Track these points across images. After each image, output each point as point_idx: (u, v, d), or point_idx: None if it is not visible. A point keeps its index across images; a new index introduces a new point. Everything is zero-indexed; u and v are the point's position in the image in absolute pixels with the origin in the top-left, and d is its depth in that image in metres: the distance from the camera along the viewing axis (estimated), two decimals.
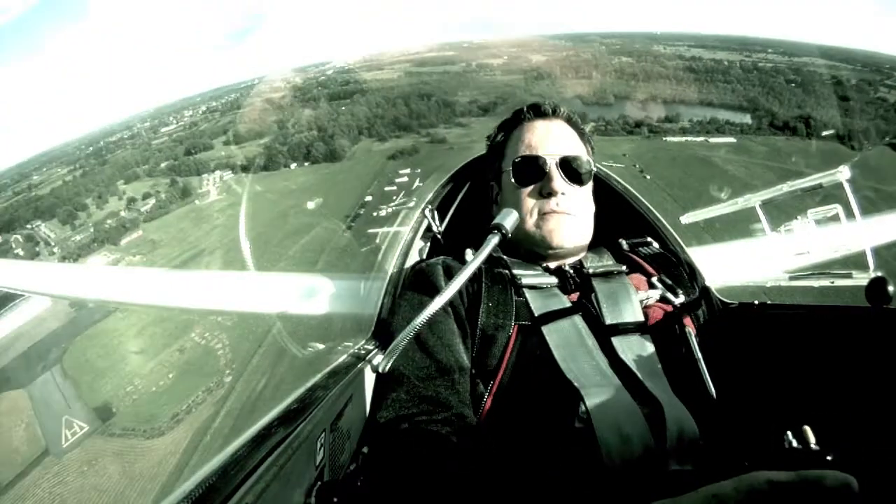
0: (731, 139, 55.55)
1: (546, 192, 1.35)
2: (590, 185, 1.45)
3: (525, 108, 1.51)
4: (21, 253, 53.04)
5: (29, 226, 59.53)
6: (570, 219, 1.35)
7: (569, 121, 1.50)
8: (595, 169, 1.48)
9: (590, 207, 1.45)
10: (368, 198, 45.58)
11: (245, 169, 62.38)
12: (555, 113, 1.48)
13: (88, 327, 32.03)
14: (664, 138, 56.30)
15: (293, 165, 61.25)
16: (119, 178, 65.65)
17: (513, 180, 1.40)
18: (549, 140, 1.41)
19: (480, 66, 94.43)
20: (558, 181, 1.35)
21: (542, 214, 1.35)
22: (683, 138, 56.09)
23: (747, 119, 60.96)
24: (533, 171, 1.38)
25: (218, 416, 24.97)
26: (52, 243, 54.78)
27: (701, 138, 55.92)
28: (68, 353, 30.98)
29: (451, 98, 73.50)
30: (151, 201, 57.10)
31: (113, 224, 54.73)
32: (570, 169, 1.37)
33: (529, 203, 1.37)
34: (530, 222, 1.36)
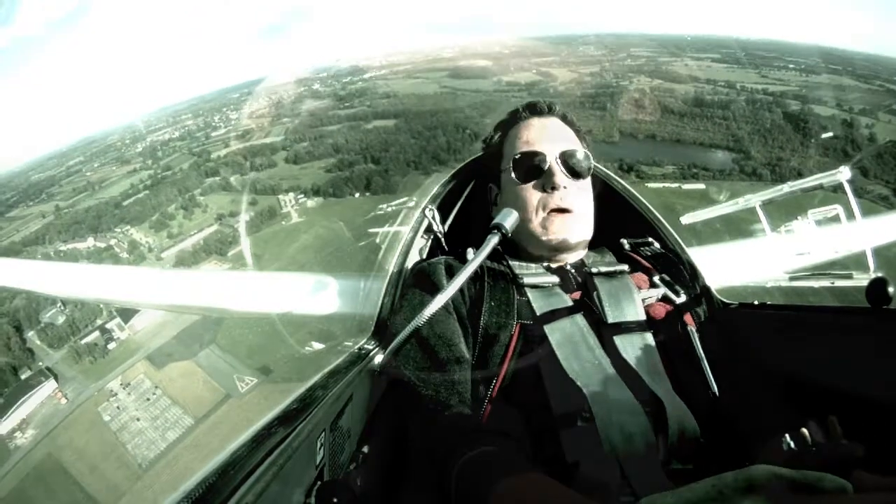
0: (701, 185, 58.07)
1: (549, 188, 1.37)
2: (589, 181, 1.48)
3: (521, 108, 1.55)
4: (126, 256, 60.02)
5: (118, 229, 67.06)
6: (573, 217, 1.39)
7: (564, 118, 1.54)
8: (593, 164, 1.50)
9: (590, 203, 1.48)
10: None
11: (317, 193, 68.12)
12: (550, 111, 1.53)
13: (225, 318, 38.96)
14: (646, 184, 57.04)
15: (357, 194, 67.25)
16: (195, 188, 73.65)
17: (513, 177, 1.42)
18: (547, 136, 1.45)
19: (510, 85, 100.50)
20: (560, 175, 1.37)
21: (547, 213, 1.38)
22: (661, 185, 57.99)
23: (728, 161, 63.83)
24: (533, 167, 1.40)
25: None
26: (153, 248, 62.62)
27: (676, 185, 58.65)
28: (221, 335, 43.11)
29: (481, 130, 72.56)
30: (242, 218, 63.33)
31: (216, 236, 61.84)
32: (570, 164, 1.40)
33: (533, 199, 1.39)
34: (535, 222, 1.38)
